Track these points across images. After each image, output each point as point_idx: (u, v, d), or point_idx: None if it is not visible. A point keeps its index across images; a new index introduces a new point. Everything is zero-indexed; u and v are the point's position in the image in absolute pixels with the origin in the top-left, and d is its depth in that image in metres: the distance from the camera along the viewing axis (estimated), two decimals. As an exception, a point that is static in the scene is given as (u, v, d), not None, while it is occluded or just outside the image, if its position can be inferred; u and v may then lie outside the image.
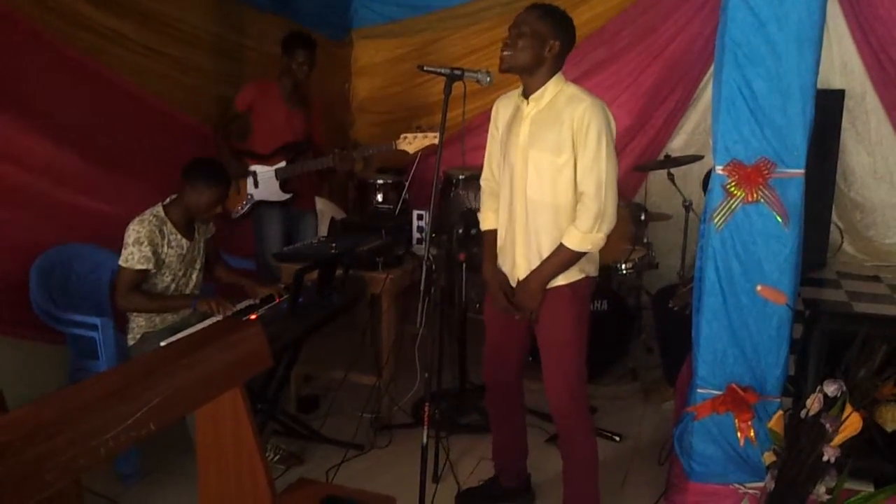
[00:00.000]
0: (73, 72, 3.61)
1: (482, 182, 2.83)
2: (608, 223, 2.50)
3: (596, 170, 2.45)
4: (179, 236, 3.16)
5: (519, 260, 2.65)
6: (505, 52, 2.49)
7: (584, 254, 2.53)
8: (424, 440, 2.57)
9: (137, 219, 3.09)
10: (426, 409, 2.56)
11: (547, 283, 2.58)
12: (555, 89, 2.53)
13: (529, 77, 2.53)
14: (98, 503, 2.94)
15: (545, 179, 2.52)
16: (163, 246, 3.10)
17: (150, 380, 1.80)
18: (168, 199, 3.18)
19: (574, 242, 2.50)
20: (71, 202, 3.56)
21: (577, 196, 2.51)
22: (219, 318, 2.98)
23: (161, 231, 3.10)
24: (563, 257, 2.53)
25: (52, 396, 1.71)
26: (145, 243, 3.03)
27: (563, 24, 2.52)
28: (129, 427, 1.70)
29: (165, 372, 1.85)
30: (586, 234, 2.48)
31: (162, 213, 3.14)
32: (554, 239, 2.55)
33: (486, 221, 2.82)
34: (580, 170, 2.48)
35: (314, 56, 4.15)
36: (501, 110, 2.72)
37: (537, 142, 2.52)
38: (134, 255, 3.02)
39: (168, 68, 4.15)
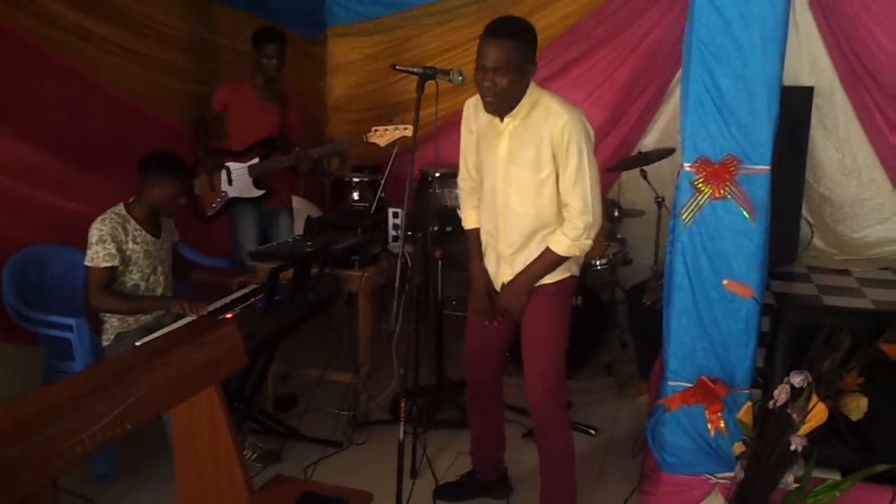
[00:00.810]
0: (48, 72, 3.60)
1: (459, 182, 2.85)
2: (596, 229, 2.54)
3: (580, 184, 2.47)
4: (144, 233, 3.15)
5: (503, 265, 2.68)
6: (488, 98, 2.43)
7: (568, 258, 2.58)
8: (401, 436, 2.59)
9: (99, 218, 3.09)
10: (403, 405, 2.58)
11: (532, 285, 2.61)
12: (530, 103, 2.50)
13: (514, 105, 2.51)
14: (74, 503, 2.94)
15: (527, 194, 2.54)
16: (127, 242, 3.09)
17: (125, 379, 1.81)
18: (131, 199, 3.18)
19: (562, 248, 2.54)
20: (46, 202, 3.55)
21: (561, 206, 2.54)
22: (192, 318, 2.98)
23: (124, 228, 3.09)
24: (549, 260, 2.57)
25: (26, 396, 1.71)
26: (108, 241, 3.03)
27: (531, 41, 2.46)
28: (105, 426, 1.71)
29: (141, 371, 1.86)
30: (575, 241, 2.52)
31: (124, 211, 3.13)
32: (538, 245, 2.59)
33: (469, 220, 2.84)
34: (563, 184, 2.50)
35: (284, 50, 4.15)
36: (473, 113, 2.68)
37: (517, 159, 2.53)
38: (99, 254, 3.02)
39: (143, 68, 4.13)
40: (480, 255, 2.79)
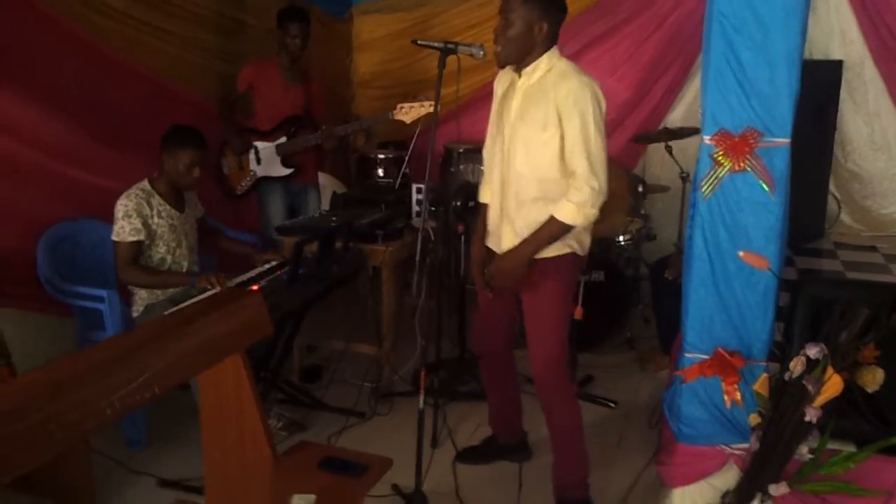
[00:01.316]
0: (79, 51, 3.67)
1: (484, 153, 2.88)
2: (601, 199, 2.53)
3: (584, 149, 2.48)
4: (169, 207, 3.23)
5: (506, 231, 2.71)
6: (497, 48, 2.55)
7: (572, 228, 2.57)
8: (421, 405, 2.65)
9: (124, 194, 3.17)
10: (423, 375, 2.64)
11: (532, 254, 2.61)
12: (548, 65, 2.56)
13: (523, 60, 2.58)
14: (106, 465, 3.04)
15: (532, 153, 2.57)
16: (152, 217, 3.17)
17: (154, 345, 1.88)
18: (155, 175, 3.25)
19: (567, 215, 2.53)
20: (77, 178, 3.63)
21: (567, 173, 2.55)
22: (216, 291, 3.05)
23: (149, 203, 3.17)
24: (552, 229, 2.57)
25: (60, 360, 1.79)
26: (134, 216, 3.10)
27: (548, 3, 2.53)
28: (135, 390, 1.78)
29: (169, 338, 1.93)
30: (580, 207, 2.51)
31: (148, 187, 3.21)
32: (539, 212, 2.60)
33: (485, 195, 2.88)
34: (568, 148, 2.51)
35: (308, 29, 4.18)
36: (500, 84, 2.76)
37: (526, 116, 2.57)
38: (125, 228, 3.10)
39: (172, 46, 4.20)
40: (483, 233, 2.84)
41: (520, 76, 2.61)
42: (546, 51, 2.56)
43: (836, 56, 4.93)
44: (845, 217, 5.21)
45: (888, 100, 4.92)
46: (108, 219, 3.54)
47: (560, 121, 2.50)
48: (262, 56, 4.36)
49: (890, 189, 5.10)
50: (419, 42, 2.73)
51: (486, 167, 2.87)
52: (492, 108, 2.80)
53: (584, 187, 2.50)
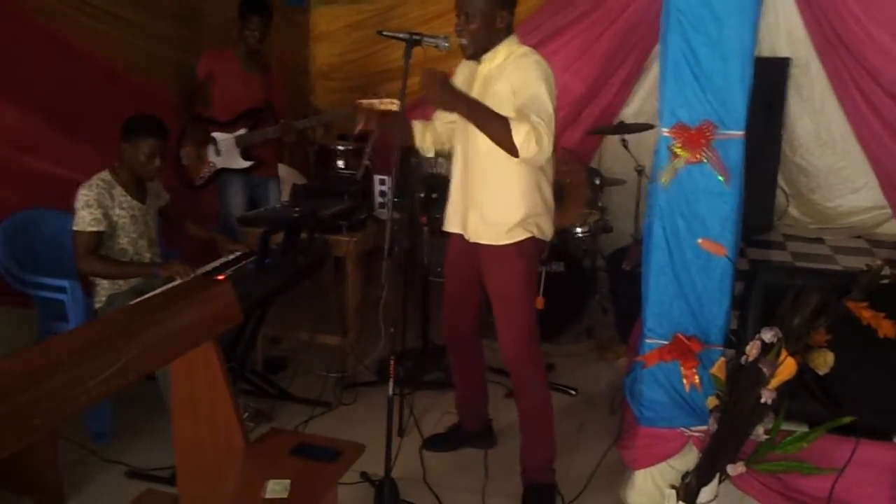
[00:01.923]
0: (34, 37, 3.62)
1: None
2: (546, 140, 2.42)
3: (533, 92, 2.49)
4: (130, 198, 3.21)
5: (472, 215, 2.77)
6: (462, 41, 2.65)
7: (511, 142, 2.42)
8: (391, 392, 2.69)
9: (85, 184, 3.14)
10: (393, 362, 2.67)
11: (460, 105, 2.53)
12: (507, 51, 2.66)
13: (487, 49, 2.66)
14: (73, 456, 3.02)
15: None
16: (113, 208, 3.15)
17: (128, 332, 1.89)
18: (116, 165, 3.22)
19: (518, 132, 2.41)
20: (35, 167, 3.59)
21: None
22: (183, 281, 3.04)
23: (110, 194, 3.14)
24: (496, 119, 2.45)
25: (35, 348, 1.80)
26: (94, 206, 3.08)
27: None
28: (110, 376, 1.79)
29: (142, 325, 1.94)
30: (528, 135, 2.40)
31: (109, 177, 3.18)
32: (501, 191, 2.67)
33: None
34: (517, 106, 2.50)
35: (268, 24, 4.17)
36: (461, 71, 2.85)
37: (485, 95, 2.63)
38: (85, 218, 3.07)
39: (129, 34, 4.16)
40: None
41: (480, 62, 2.70)
42: (506, 38, 2.67)
43: (783, 54, 5.08)
44: (793, 210, 5.38)
45: (833, 97, 5.08)
46: (67, 208, 3.50)
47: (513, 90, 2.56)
48: (220, 45, 4.33)
49: (835, 183, 5.28)
50: (385, 33, 2.76)
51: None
52: None
53: (530, 119, 2.42)
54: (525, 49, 2.68)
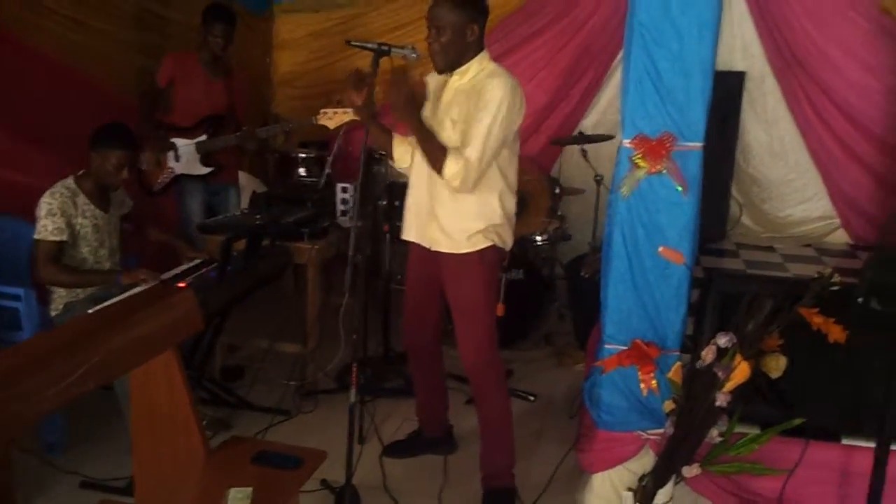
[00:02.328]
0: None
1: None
2: (470, 179, 2.61)
3: (481, 129, 2.58)
4: (94, 207, 3.16)
5: (432, 227, 2.79)
6: (435, 57, 2.67)
7: (441, 169, 2.63)
8: (353, 399, 2.69)
9: (49, 191, 3.08)
10: (354, 369, 2.68)
11: (415, 121, 2.66)
12: (478, 67, 2.70)
13: (458, 62, 2.69)
14: (25, 466, 2.96)
15: (454, 145, 2.66)
16: (77, 217, 3.10)
17: (89, 340, 1.87)
18: (81, 172, 3.18)
19: (450, 170, 2.60)
20: (-14, 172, 3.51)
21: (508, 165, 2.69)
22: (143, 288, 3.00)
23: (74, 202, 3.10)
24: (432, 144, 2.65)
25: (-7, 355, 1.76)
26: (58, 214, 3.03)
27: (474, 6, 2.66)
28: (71, 384, 1.77)
29: (104, 332, 1.92)
30: (452, 176, 2.60)
31: (73, 185, 3.13)
32: (462, 202, 2.71)
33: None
34: (469, 130, 2.61)
35: (232, 31, 4.14)
36: (431, 80, 2.87)
37: (452, 111, 2.69)
38: (48, 227, 3.02)
39: (89, 39, 4.10)
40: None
41: (451, 76, 2.73)
42: (478, 53, 2.70)
43: (738, 68, 5.22)
44: (746, 219, 5.51)
45: (786, 110, 5.23)
46: (21, 215, 3.44)
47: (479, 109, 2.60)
48: (184, 48, 4.29)
49: (786, 193, 5.42)
50: (353, 43, 2.78)
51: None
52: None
53: (458, 164, 2.59)
54: (494, 67, 2.71)
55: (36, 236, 3.03)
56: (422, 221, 2.84)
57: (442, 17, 2.62)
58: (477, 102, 2.62)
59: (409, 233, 2.92)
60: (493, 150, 2.63)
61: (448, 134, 2.69)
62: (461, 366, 2.96)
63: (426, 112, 2.81)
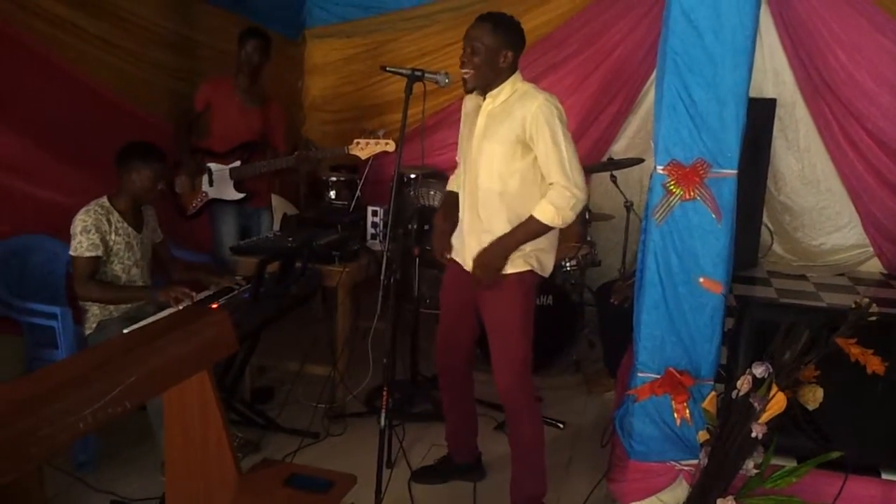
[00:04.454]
0: (28, 62, 3.62)
1: (456, 171, 3.00)
2: (581, 203, 2.64)
3: (557, 159, 2.60)
4: (126, 225, 3.22)
5: (472, 245, 2.79)
6: (464, 73, 2.68)
7: (550, 228, 2.66)
8: (382, 423, 2.68)
9: (83, 209, 3.14)
10: (385, 392, 2.67)
11: (509, 251, 2.70)
12: (511, 89, 2.71)
13: (489, 86, 2.71)
14: (60, 483, 2.98)
15: (495, 168, 2.69)
16: (110, 233, 3.16)
17: (125, 360, 1.89)
18: (114, 192, 3.23)
19: (546, 216, 2.62)
20: (25, 193, 3.58)
21: (530, 187, 2.68)
22: (176, 308, 3.03)
23: (108, 220, 3.16)
24: (531, 229, 2.67)
25: (33, 375, 1.79)
26: (92, 231, 3.09)
27: (513, 33, 2.69)
28: (107, 404, 1.78)
29: (140, 353, 1.93)
30: (559, 210, 2.61)
31: (107, 203, 3.19)
32: (503, 224, 2.71)
33: (451, 184, 3.04)
34: (542, 163, 2.64)
35: (266, 48, 4.21)
36: (467, 106, 2.90)
37: (490, 134, 2.70)
38: (82, 244, 3.08)
39: (123, 62, 4.17)
40: (446, 212, 2.97)
41: (484, 99, 2.74)
42: (509, 76, 2.71)
43: (769, 94, 5.19)
44: (777, 247, 5.45)
45: (818, 137, 5.20)
46: (58, 234, 3.50)
47: (528, 139, 2.63)
48: (218, 74, 4.36)
49: (819, 221, 5.37)
50: (388, 69, 2.81)
51: (457, 171, 2.98)
52: (460, 129, 2.93)
53: (564, 192, 2.61)
54: (528, 86, 2.72)
55: (71, 253, 3.09)
56: (464, 242, 2.85)
57: (480, 37, 2.64)
58: (515, 125, 2.63)
59: (455, 253, 2.94)
60: (578, 167, 2.63)
61: (493, 159, 2.70)
62: (491, 391, 2.93)
63: (463, 131, 2.85)
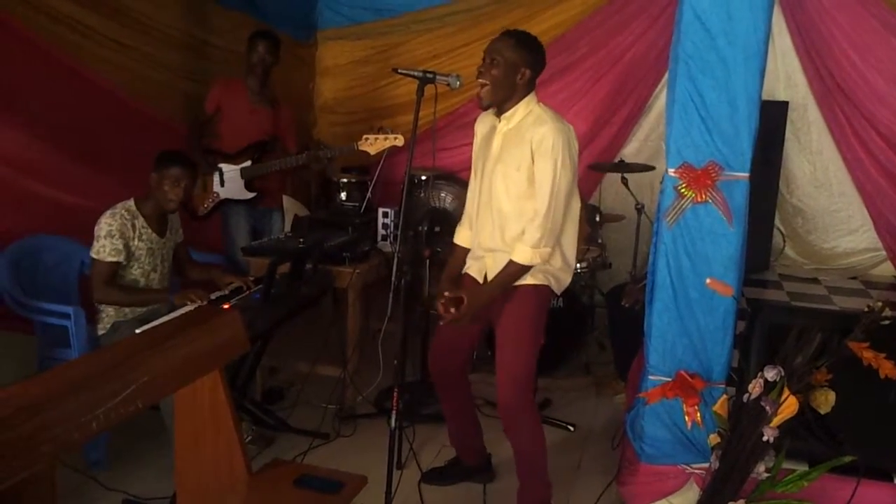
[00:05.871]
0: (44, 63, 3.65)
1: (469, 192, 2.99)
2: (552, 238, 2.67)
3: (549, 190, 2.61)
4: (150, 231, 3.23)
5: (488, 262, 2.81)
6: (482, 90, 2.66)
7: (531, 267, 2.69)
8: (393, 424, 2.68)
9: (109, 212, 3.15)
10: (395, 393, 2.68)
11: (492, 295, 2.74)
12: (525, 110, 2.70)
13: (504, 103, 2.71)
14: (72, 481, 3.00)
15: (510, 190, 2.70)
16: (134, 239, 3.17)
17: (137, 360, 1.90)
18: (141, 196, 3.25)
19: (524, 258, 2.66)
20: (39, 193, 3.61)
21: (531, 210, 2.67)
22: (190, 308, 3.04)
23: (133, 225, 3.17)
24: (512, 271, 2.70)
25: (45, 373, 1.80)
26: (117, 236, 3.10)
27: (535, 53, 2.69)
28: (119, 404, 1.79)
29: (153, 352, 1.94)
30: (535, 248, 2.65)
31: (134, 208, 3.20)
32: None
33: (459, 236, 3.02)
34: (536, 183, 2.64)
35: (276, 49, 4.23)
36: (481, 126, 2.90)
37: (505, 157, 2.70)
38: (105, 248, 3.09)
39: (136, 63, 4.19)
40: (451, 273, 2.97)
41: (499, 120, 2.74)
42: (524, 97, 2.70)
43: (781, 97, 5.18)
44: (789, 250, 5.44)
45: (830, 140, 5.18)
46: (71, 234, 3.53)
47: (532, 161, 2.62)
48: (229, 76, 4.38)
49: (831, 224, 5.35)
50: (399, 70, 2.82)
51: (467, 206, 2.98)
52: (473, 150, 2.94)
53: (536, 230, 2.63)
54: (543, 110, 2.69)
55: (93, 255, 3.11)
56: (479, 257, 2.87)
57: (501, 50, 2.63)
58: (526, 150, 2.63)
59: (469, 268, 2.94)
60: (561, 205, 2.65)
61: (509, 183, 2.70)
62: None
63: (478, 152, 2.86)
